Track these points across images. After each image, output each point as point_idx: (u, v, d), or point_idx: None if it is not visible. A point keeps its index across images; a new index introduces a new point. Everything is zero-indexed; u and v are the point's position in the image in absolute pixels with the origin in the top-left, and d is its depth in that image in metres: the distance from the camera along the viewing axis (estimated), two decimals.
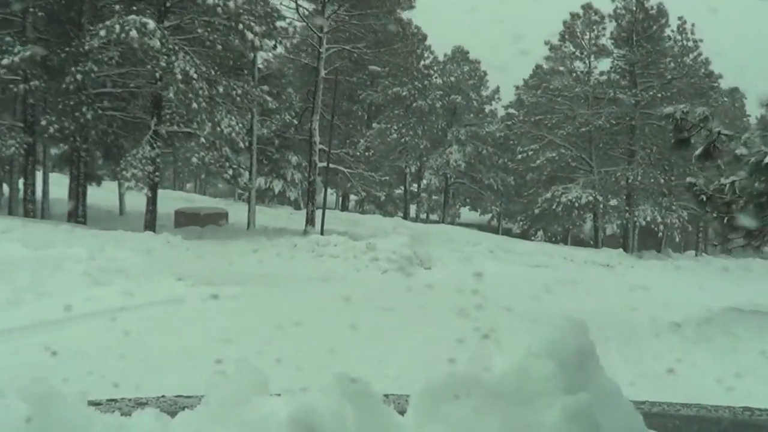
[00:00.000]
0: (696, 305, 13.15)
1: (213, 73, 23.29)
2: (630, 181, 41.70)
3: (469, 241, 34.51)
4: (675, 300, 15.61)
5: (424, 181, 59.60)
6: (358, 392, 1.27)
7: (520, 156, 46.22)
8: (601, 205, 42.04)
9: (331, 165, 32.23)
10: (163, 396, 2.07)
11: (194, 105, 22.45)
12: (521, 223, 49.54)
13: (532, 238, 47.06)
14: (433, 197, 60.62)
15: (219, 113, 23.32)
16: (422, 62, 54.91)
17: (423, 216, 62.65)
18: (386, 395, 1.73)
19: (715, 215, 10.62)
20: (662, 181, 41.78)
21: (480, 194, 56.43)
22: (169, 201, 35.84)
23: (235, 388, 1.36)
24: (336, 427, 1.22)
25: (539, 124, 45.63)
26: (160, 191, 26.01)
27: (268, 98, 25.15)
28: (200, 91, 22.45)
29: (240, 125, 23.82)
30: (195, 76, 22.41)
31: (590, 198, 40.86)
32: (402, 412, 1.35)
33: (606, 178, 43.41)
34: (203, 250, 20.97)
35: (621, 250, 39.57)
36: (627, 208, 42.62)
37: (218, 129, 23.09)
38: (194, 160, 23.74)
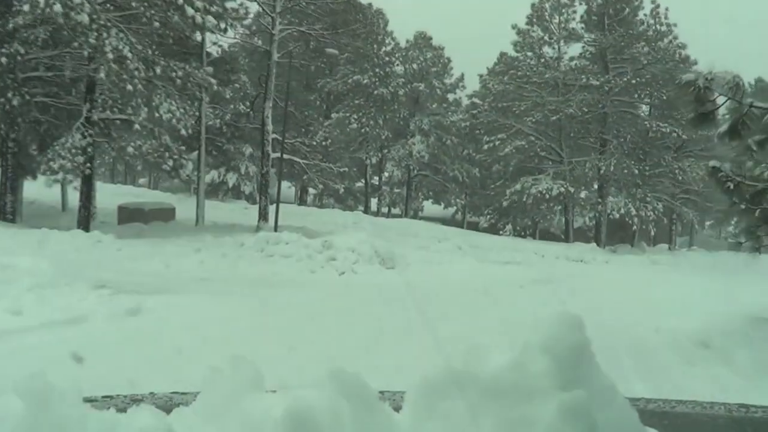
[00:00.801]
0: (705, 312, 11.56)
1: (150, 52, 21.12)
2: (602, 171, 40.16)
3: (435, 237, 32.87)
4: (676, 304, 14.00)
5: (386, 174, 57.99)
6: (354, 388, 1.30)
7: (486, 146, 44.37)
8: (573, 197, 40.37)
9: (285, 156, 30.32)
10: (158, 392, 2.06)
11: (129, 87, 20.30)
12: (488, 216, 47.76)
13: (501, 232, 45.39)
14: (396, 190, 58.94)
15: (157, 97, 21.19)
16: (383, 48, 53.43)
17: (385, 210, 60.86)
18: (382, 392, 1.67)
19: (744, 207, 8.80)
20: (636, 171, 40.25)
21: (444, 187, 54.73)
22: (118, 197, 33.77)
23: (231, 385, 1.39)
24: (332, 423, 1.24)
25: (507, 112, 43.90)
26: (110, 186, 24.05)
27: (213, 81, 22.97)
28: (135, 72, 20.31)
29: (181, 111, 21.66)
30: (129, 55, 20.27)
31: (561, 189, 39.22)
32: (398, 409, 1.38)
33: (577, 169, 41.77)
34: (139, 250, 18.88)
35: (594, 244, 38.17)
36: (599, 200, 41.06)
37: (156, 115, 20.94)
38: (130, 149, 21.54)
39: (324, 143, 38.26)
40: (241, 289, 13.57)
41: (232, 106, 32.22)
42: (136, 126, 21.07)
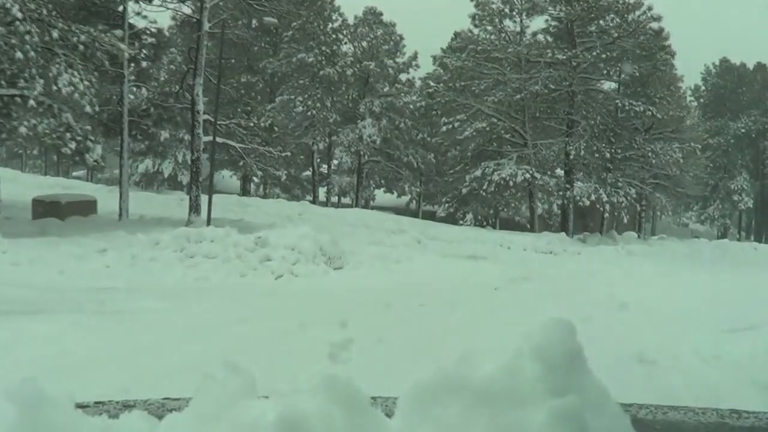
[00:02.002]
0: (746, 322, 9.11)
1: (46, 12, 17.91)
2: (571, 155, 37.63)
3: (390, 228, 30.17)
4: (695, 314, 11.41)
5: (335, 161, 55.24)
6: (346, 394, 1.31)
7: (444, 128, 41.42)
8: (539, 183, 37.76)
9: (220, 140, 27.31)
10: (150, 399, 2.06)
11: (19, 55, 17.08)
12: (446, 205, 44.84)
13: (460, 222, 42.68)
14: (346, 179, 56.32)
15: (56, 67, 17.98)
16: (330, 25, 50.89)
17: (335, 200, 58.20)
18: (374, 398, 1.62)
19: None
20: (607, 154, 37.78)
21: (397, 174, 51.95)
22: (44, 189, 30.77)
23: (223, 391, 1.40)
24: (324, 429, 1.25)
25: (465, 91, 41.07)
26: (39, 177, 20.80)
27: (123, 46, 19.83)
28: (27, 36, 17.11)
29: (86, 83, 18.44)
30: (20, 15, 17.07)
31: (527, 175, 36.58)
32: (390, 415, 1.39)
33: (543, 153, 39.20)
34: (33, 251, 15.68)
35: (563, 233, 35.76)
36: (567, 185, 38.51)
37: (54, 88, 17.75)
38: (23, 129, 18.26)
39: (266, 126, 35.91)
40: (143, 303, 10.58)
41: (155, 84, 28.99)
42: (32, 102, 17.79)
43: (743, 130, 68.18)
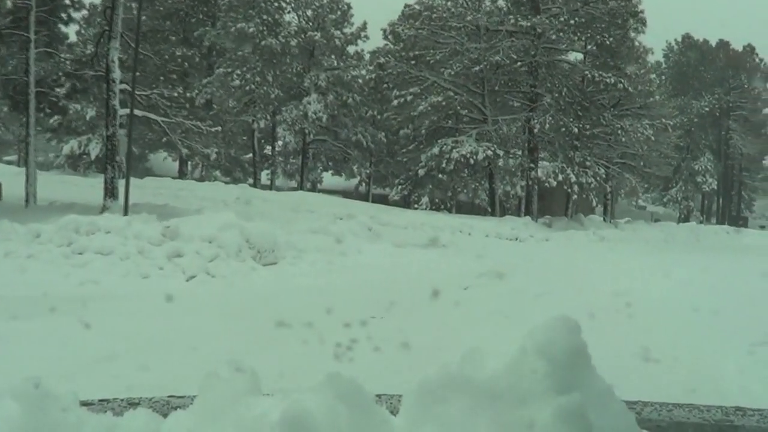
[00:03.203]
0: None
1: None
2: (535, 130, 34.92)
3: (337, 214, 27.20)
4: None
5: (280, 142, 52.15)
6: (351, 392, 1.33)
7: (395, 102, 38.25)
8: (501, 162, 35.01)
9: (140, 112, 24.07)
10: (155, 396, 2.07)
11: None
12: (400, 187, 41.70)
13: (415, 206, 39.79)
14: (292, 160, 53.62)
15: None
16: None
17: (280, 183, 55.13)
18: (378, 395, 1.73)
19: None
20: (575, 130, 35.11)
21: (346, 154, 48.85)
22: None
23: (228, 389, 1.42)
24: (328, 427, 1.26)
25: (420, 62, 38.01)
26: None
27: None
28: None
29: None
30: None
31: (489, 152, 33.74)
32: (394, 412, 1.42)
33: (504, 129, 36.37)
34: None
35: (527, 218, 33.23)
36: (531, 165, 35.81)
37: None
38: None
39: (203, 103, 33.14)
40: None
41: (68, 50, 25.72)
42: None
43: (707, 109, 66.64)
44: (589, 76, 35.87)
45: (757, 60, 72.06)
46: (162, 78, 30.74)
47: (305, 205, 30.50)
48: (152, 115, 24.71)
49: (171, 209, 21.66)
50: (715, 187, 65.85)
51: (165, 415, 1.46)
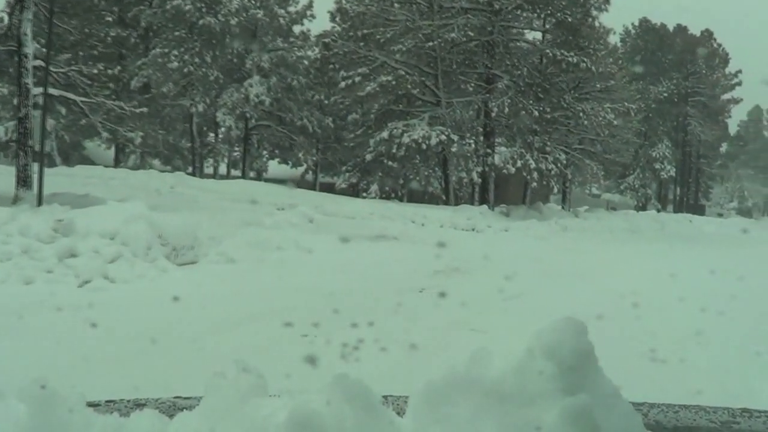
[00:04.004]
0: None
1: None
2: (493, 113, 33.15)
3: (278, 204, 25.22)
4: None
5: (223, 129, 49.71)
6: (357, 393, 1.34)
7: (342, 83, 36.04)
8: (455, 147, 33.15)
9: (56, 91, 21.88)
10: (161, 397, 2.10)
11: None
12: (347, 174, 39.49)
13: (364, 194, 37.79)
14: (237, 148, 51.45)
15: None
16: None
17: (224, 171, 53.05)
18: (385, 396, 1.72)
19: None
20: (536, 113, 33.37)
21: (291, 140, 46.65)
22: None
23: (234, 390, 1.44)
24: (335, 428, 1.28)
25: (369, 40, 35.95)
26: None
27: None
28: None
29: None
30: None
31: (442, 137, 31.82)
32: (401, 413, 1.43)
33: (459, 112, 34.50)
34: None
35: (484, 206, 31.50)
36: (488, 150, 34.02)
37: None
38: None
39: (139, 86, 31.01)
40: None
41: None
42: None
43: (665, 95, 65.74)
44: (550, 54, 34.18)
45: (715, 45, 71.41)
46: (82, 54, 28.34)
47: (246, 194, 28.43)
48: (70, 95, 22.38)
49: (92, 200, 19.43)
50: (673, 175, 65.03)
51: (171, 416, 1.46)
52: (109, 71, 25.07)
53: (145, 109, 27.07)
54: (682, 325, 8.07)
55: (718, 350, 7.26)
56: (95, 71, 23.99)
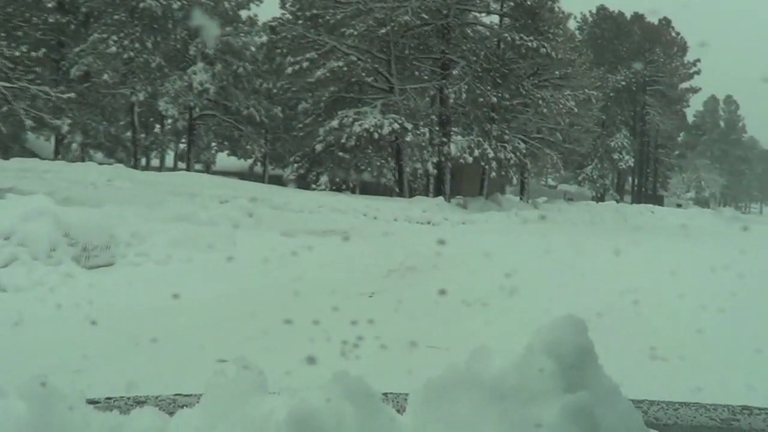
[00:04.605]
0: None
1: None
2: (450, 100, 31.90)
3: (220, 196, 23.71)
4: None
5: (170, 120, 47.98)
6: (358, 391, 1.35)
7: (290, 69, 34.38)
8: (410, 137, 31.82)
9: None
10: (161, 394, 2.11)
11: None
12: (296, 165, 37.87)
13: (313, 186, 36.33)
14: (184, 139, 49.69)
15: None
16: None
17: (171, 164, 51.58)
18: (385, 394, 1.74)
19: None
20: (494, 99, 32.12)
21: (237, 130, 45.03)
22: None
23: (234, 387, 1.44)
24: (335, 425, 1.29)
25: (318, 24, 34.38)
26: None
27: None
28: None
29: None
30: None
31: (395, 125, 30.44)
32: (401, 411, 1.45)
33: (413, 100, 33.15)
34: None
35: (440, 198, 30.31)
36: (444, 139, 32.73)
37: None
38: None
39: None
40: None
41: None
42: None
43: (623, 84, 65.17)
44: (509, 39, 32.91)
45: (673, 34, 71.04)
46: (3, 34, 26.57)
47: (187, 187, 26.91)
48: None
49: (17, 193, 17.92)
50: (632, 165, 64.52)
51: (171, 414, 1.47)
52: (33, 54, 23.22)
53: (72, 95, 25.38)
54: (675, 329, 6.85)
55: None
56: (17, 53, 22.20)
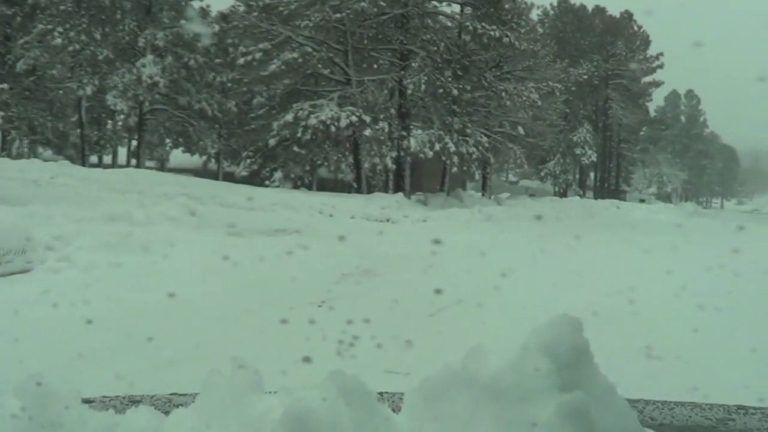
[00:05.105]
0: None
1: None
2: (408, 91, 30.86)
3: (168, 194, 22.51)
4: None
5: (122, 116, 46.45)
6: (353, 390, 1.35)
7: (242, 60, 33.00)
8: (369, 131, 30.78)
9: None
10: (157, 394, 2.08)
11: None
12: (249, 161, 36.50)
13: (267, 183, 35.11)
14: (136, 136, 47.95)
15: None
16: None
17: (124, 161, 50.25)
18: (381, 393, 1.73)
19: None
20: (455, 91, 31.11)
21: (190, 125, 43.66)
22: None
23: (230, 386, 1.43)
24: (331, 425, 1.28)
25: (272, 13, 33.09)
26: None
27: None
28: None
29: None
30: None
31: (353, 118, 29.29)
32: (397, 410, 1.43)
33: (371, 92, 32.02)
34: None
35: (399, 194, 29.31)
36: (403, 133, 31.67)
37: None
38: None
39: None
40: None
41: None
42: None
43: (585, 77, 64.68)
44: (471, 28, 31.84)
45: (635, 27, 70.77)
46: None
47: (134, 184, 25.69)
48: None
49: None
50: (595, 160, 64.08)
51: (167, 413, 1.46)
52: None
53: (5, 86, 24.00)
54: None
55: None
56: None
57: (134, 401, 1.90)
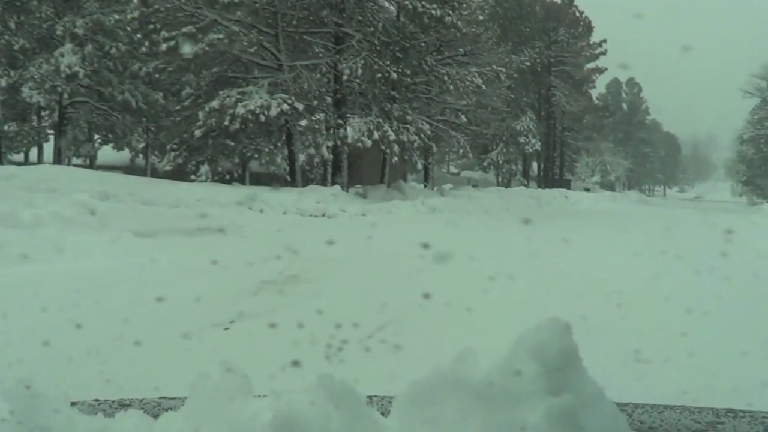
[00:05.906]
0: None
1: None
2: (344, 75, 29.19)
3: (88, 191, 20.60)
4: None
5: (46, 111, 44.55)
6: (342, 393, 1.35)
7: (164, 45, 30.84)
8: (304, 121, 29.04)
9: None
10: (146, 398, 2.06)
11: None
12: (173, 154, 34.35)
13: (193, 177, 33.20)
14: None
15: None
16: None
17: (51, 159, 47.98)
18: (370, 397, 1.75)
19: None
20: (394, 75, 29.46)
21: (114, 118, 41.48)
22: None
23: (219, 390, 1.43)
24: (320, 429, 1.29)
25: None
26: None
27: None
28: None
29: None
30: None
31: (285, 107, 27.43)
32: (386, 414, 1.44)
33: (304, 77, 30.20)
34: None
35: (336, 187, 27.69)
36: (340, 121, 29.94)
37: None
38: None
39: None
40: None
41: None
42: None
43: (527, 64, 63.75)
44: (410, 6, 30.14)
45: (577, 13, 70.16)
46: None
47: (48, 182, 23.71)
48: None
49: None
50: (538, 149, 63.27)
51: (156, 417, 1.46)
52: None
53: None
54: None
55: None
56: None
57: (124, 405, 1.88)
